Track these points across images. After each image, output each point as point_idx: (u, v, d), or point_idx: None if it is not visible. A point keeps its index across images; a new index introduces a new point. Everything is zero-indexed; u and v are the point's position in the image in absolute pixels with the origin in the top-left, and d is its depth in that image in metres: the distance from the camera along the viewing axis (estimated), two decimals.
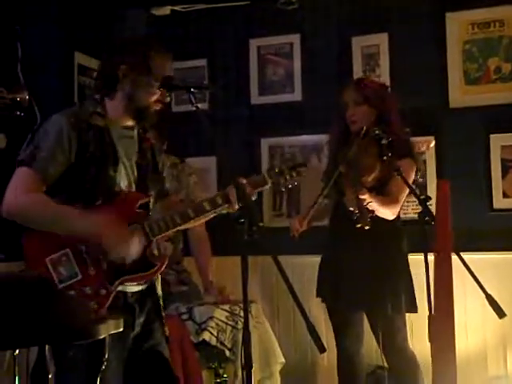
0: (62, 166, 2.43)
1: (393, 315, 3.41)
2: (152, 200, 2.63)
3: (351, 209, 3.18)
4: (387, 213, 3.40)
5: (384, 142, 3.20)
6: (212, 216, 2.66)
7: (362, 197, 3.18)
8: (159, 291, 2.65)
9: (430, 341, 2.68)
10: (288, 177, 2.68)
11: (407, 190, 3.38)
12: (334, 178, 3.34)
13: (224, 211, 2.63)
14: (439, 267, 2.73)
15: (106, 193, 2.46)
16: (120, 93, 2.54)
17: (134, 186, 2.56)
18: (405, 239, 3.54)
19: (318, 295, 3.61)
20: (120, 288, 2.43)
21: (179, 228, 2.57)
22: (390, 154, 3.15)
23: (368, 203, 3.18)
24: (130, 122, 2.59)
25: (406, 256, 3.52)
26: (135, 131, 2.62)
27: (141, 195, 2.55)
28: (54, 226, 2.39)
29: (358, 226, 3.13)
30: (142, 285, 2.54)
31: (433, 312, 2.70)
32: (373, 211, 3.17)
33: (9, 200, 2.41)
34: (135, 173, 2.57)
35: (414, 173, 3.48)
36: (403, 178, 3.07)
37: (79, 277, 2.36)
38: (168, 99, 2.57)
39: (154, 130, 2.71)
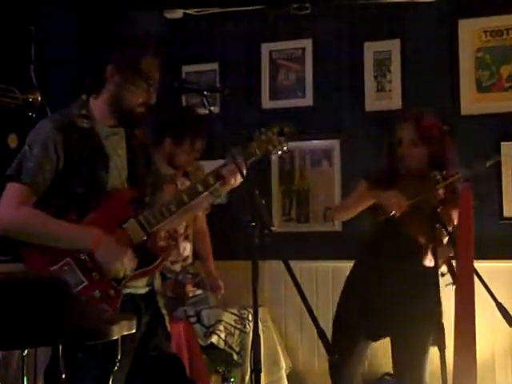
0: (50, 174, 2.39)
1: (420, 347, 3.15)
2: (148, 193, 2.58)
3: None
4: None
5: (441, 191, 3.00)
6: (207, 202, 2.64)
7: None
8: (157, 285, 2.59)
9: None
10: (277, 143, 2.60)
11: None
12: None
13: (222, 192, 2.56)
14: (461, 273, 2.73)
15: (98, 195, 2.42)
16: (105, 93, 2.48)
17: (126, 184, 2.51)
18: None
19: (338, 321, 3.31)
20: (128, 290, 2.42)
21: (174, 215, 2.48)
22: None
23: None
24: (116, 121, 2.53)
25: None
26: (122, 129, 2.55)
27: (131, 191, 2.50)
28: (46, 240, 2.36)
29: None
30: (147, 284, 2.52)
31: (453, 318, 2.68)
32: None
33: (1, 217, 2.39)
34: (126, 170, 2.52)
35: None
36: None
37: (85, 283, 2.34)
38: (154, 101, 2.50)
39: (141, 127, 2.64)
